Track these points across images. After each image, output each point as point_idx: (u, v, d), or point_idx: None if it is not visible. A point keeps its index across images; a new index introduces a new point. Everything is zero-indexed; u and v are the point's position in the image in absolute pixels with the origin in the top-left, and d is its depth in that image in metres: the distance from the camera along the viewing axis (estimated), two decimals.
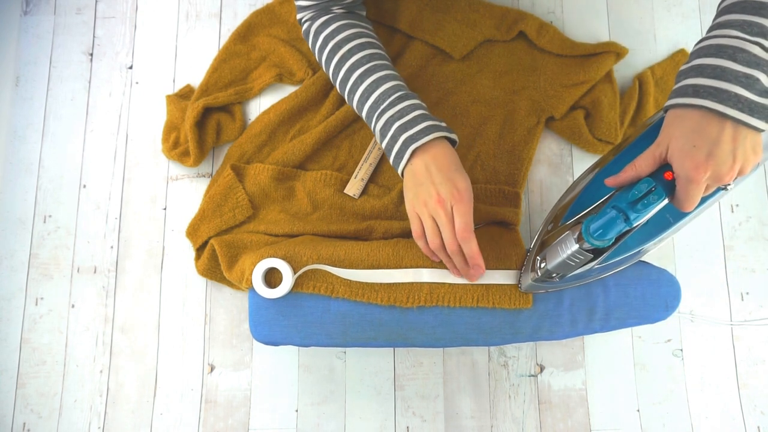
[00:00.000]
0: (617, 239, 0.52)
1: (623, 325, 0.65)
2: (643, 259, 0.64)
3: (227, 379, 0.73)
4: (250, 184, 0.74)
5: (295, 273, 0.63)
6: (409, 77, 0.78)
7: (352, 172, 0.75)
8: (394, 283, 0.64)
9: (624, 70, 0.79)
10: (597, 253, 0.54)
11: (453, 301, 0.63)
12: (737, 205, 0.77)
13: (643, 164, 0.50)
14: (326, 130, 0.75)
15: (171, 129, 0.78)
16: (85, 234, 0.77)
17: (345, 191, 0.74)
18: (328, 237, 0.71)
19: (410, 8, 0.79)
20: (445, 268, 0.64)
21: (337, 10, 0.69)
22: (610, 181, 0.53)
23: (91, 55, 0.82)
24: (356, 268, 0.64)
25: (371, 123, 0.65)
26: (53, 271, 0.76)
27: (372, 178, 0.75)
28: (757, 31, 0.44)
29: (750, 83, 0.44)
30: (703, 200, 0.52)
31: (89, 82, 0.81)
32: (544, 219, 0.65)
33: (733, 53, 0.44)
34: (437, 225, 0.60)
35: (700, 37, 0.80)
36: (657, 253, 0.74)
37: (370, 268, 0.64)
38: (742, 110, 0.43)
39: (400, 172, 0.63)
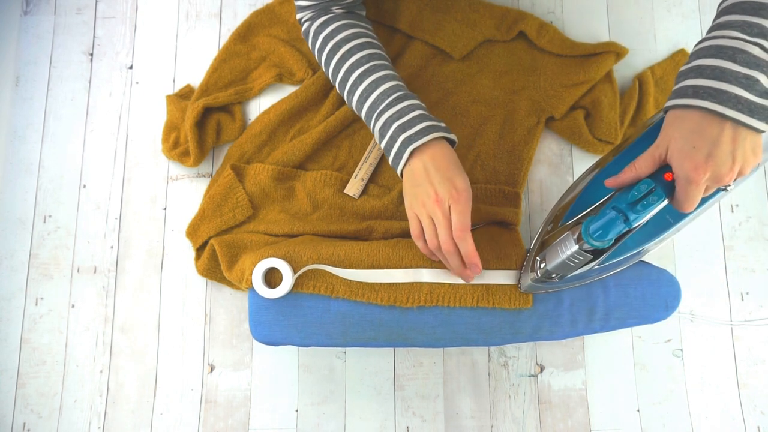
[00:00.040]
0: (617, 240, 0.52)
1: (623, 325, 0.65)
2: (643, 259, 0.64)
3: (227, 379, 0.73)
4: (250, 184, 0.74)
5: (295, 273, 0.63)
6: (409, 77, 0.78)
7: (352, 172, 0.75)
8: (394, 283, 0.64)
9: (624, 70, 0.79)
10: (597, 253, 0.54)
11: (453, 301, 0.63)
12: (737, 205, 0.77)
13: (642, 165, 0.50)
14: (326, 130, 0.75)
15: (171, 129, 0.78)
16: (85, 234, 0.77)
17: (345, 191, 0.74)
18: (328, 237, 0.71)
19: (410, 8, 0.79)
20: (445, 268, 0.64)
21: (336, 10, 0.69)
22: (610, 182, 0.53)
23: (91, 55, 0.82)
24: (356, 268, 0.64)
25: (370, 123, 0.65)
26: (53, 271, 0.76)
27: (372, 178, 0.75)
28: (757, 32, 0.44)
29: (750, 84, 0.43)
30: (703, 201, 0.52)
31: (89, 82, 0.81)
32: (544, 219, 0.65)
33: (733, 54, 0.44)
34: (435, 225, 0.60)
35: (700, 37, 0.80)
36: (657, 253, 0.74)
37: (370, 268, 0.64)
38: (741, 111, 0.43)
39: (399, 172, 0.63)
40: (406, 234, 0.70)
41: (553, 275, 0.58)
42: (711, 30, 0.48)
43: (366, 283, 0.64)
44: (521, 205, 0.74)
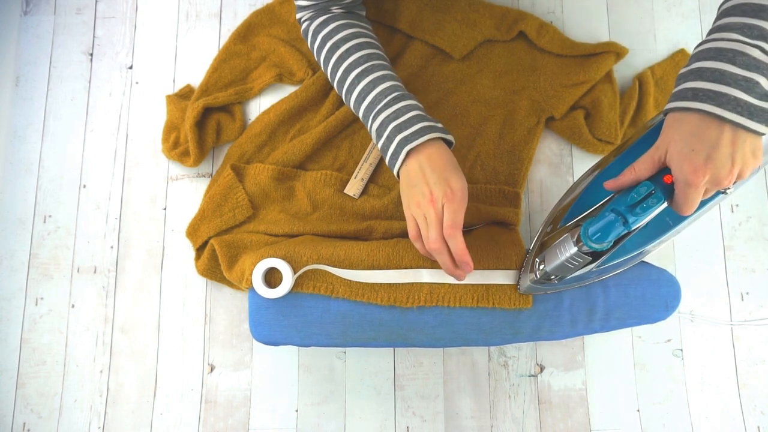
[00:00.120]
0: (616, 242, 0.52)
1: (623, 325, 0.65)
2: (642, 259, 0.64)
3: (227, 379, 0.73)
4: (250, 184, 0.74)
5: (295, 273, 0.63)
6: (409, 77, 0.78)
7: (352, 172, 0.75)
8: (394, 283, 0.64)
9: (624, 70, 0.79)
10: (596, 255, 0.54)
11: (453, 301, 0.63)
12: (737, 206, 0.77)
13: (642, 167, 0.50)
14: (326, 130, 0.75)
15: (171, 129, 0.78)
16: (85, 234, 0.77)
17: (345, 191, 0.74)
18: (328, 237, 0.71)
19: (410, 8, 0.79)
20: None
21: (336, 9, 0.69)
22: (609, 184, 0.53)
23: (91, 55, 0.82)
24: (356, 268, 0.64)
25: (368, 123, 0.65)
26: (53, 271, 0.76)
27: (372, 178, 0.75)
28: (757, 34, 0.44)
29: (750, 86, 0.43)
30: (703, 204, 0.52)
31: (89, 82, 0.81)
32: (544, 220, 0.65)
33: (733, 56, 0.44)
34: None
35: (700, 37, 0.81)
36: (657, 253, 0.74)
37: (370, 268, 0.64)
38: (741, 114, 0.43)
39: (395, 173, 0.62)
40: (405, 234, 0.70)
41: (552, 277, 0.58)
42: (711, 32, 0.48)
43: (366, 283, 0.64)
44: (521, 205, 0.74)
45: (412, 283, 0.64)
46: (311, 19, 0.70)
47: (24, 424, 0.73)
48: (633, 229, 0.50)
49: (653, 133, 0.55)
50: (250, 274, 0.63)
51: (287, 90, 0.80)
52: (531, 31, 0.78)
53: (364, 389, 0.73)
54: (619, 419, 0.72)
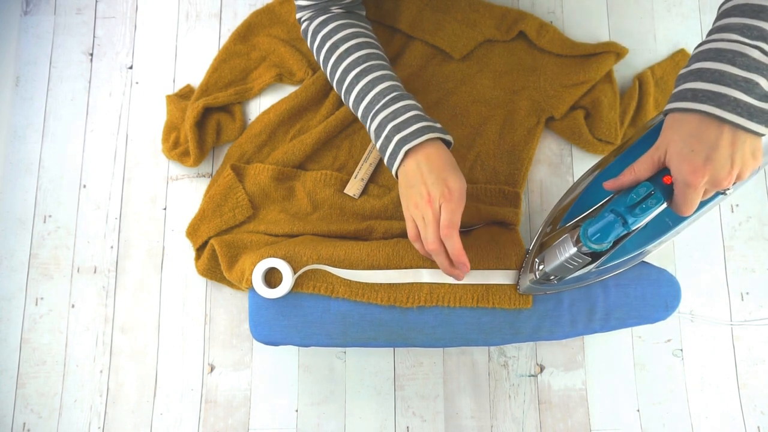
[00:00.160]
0: (615, 243, 0.52)
1: (623, 325, 0.65)
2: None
3: (227, 379, 0.73)
4: (250, 184, 0.74)
5: (295, 273, 0.63)
6: (409, 77, 0.78)
7: (352, 172, 0.75)
8: (394, 283, 0.64)
9: (624, 70, 0.79)
10: (595, 256, 0.54)
11: (453, 301, 0.63)
12: (737, 206, 0.77)
13: (641, 168, 0.50)
14: (326, 130, 0.75)
15: (171, 129, 0.78)
16: (85, 234, 0.77)
17: (345, 191, 0.74)
18: (328, 237, 0.71)
19: (410, 8, 0.79)
20: None
21: (335, 9, 0.69)
22: (609, 185, 0.53)
23: (91, 55, 0.82)
24: (356, 268, 0.64)
25: (366, 123, 0.64)
26: (53, 271, 0.76)
27: (372, 178, 0.75)
28: (757, 35, 0.44)
29: (749, 87, 0.43)
30: (702, 204, 0.52)
31: (89, 82, 0.81)
32: (544, 220, 0.65)
33: (733, 57, 0.44)
34: None
35: (700, 38, 0.81)
36: (657, 253, 0.74)
37: (370, 268, 0.64)
38: (741, 115, 0.43)
39: (394, 173, 0.62)
40: (405, 234, 0.70)
41: (552, 277, 0.58)
42: (711, 33, 0.47)
43: (366, 283, 0.64)
44: (521, 205, 0.74)
45: (412, 283, 0.64)
46: (311, 18, 0.70)
47: (24, 424, 0.73)
48: (632, 229, 0.50)
49: (653, 133, 0.55)
50: (250, 274, 0.63)
51: (287, 90, 0.80)
52: (531, 31, 0.78)
53: (364, 389, 0.73)
54: (619, 419, 0.72)
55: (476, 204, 0.72)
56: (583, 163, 0.78)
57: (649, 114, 0.76)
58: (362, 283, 0.64)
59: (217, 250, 0.69)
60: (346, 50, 0.66)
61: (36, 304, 0.75)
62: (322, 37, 0.68)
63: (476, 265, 0.64)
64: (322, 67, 0.70)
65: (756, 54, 0.44)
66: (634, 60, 0.80)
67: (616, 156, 0.58)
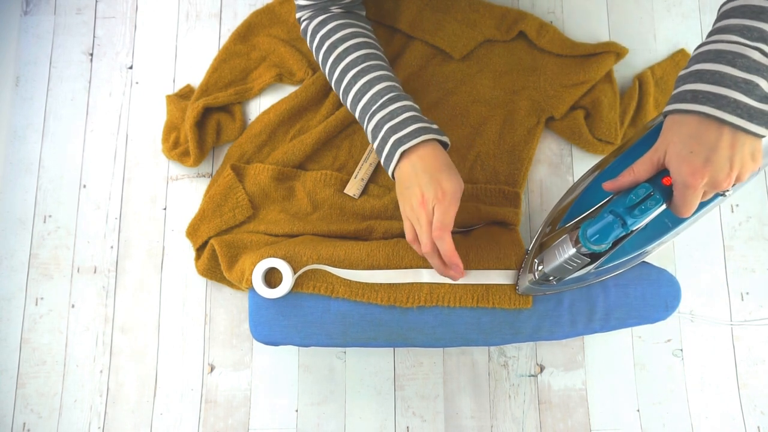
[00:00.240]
0: (615, 244, 0.52)
1: (623, 325, 0.65)
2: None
3: (227, 379, 0.73)
4: (250, 184, 0.74)
5: (295, 273, 0.63)
6: (409, 77, 0.78)
7: (352, 172, 0.75)
8: (394, 283, 0.64)
9: (624, 70, 0.79)
10: (594, 257, 0.54)
11: (453, 301, 0.63)
12: (737, 206, 0.77)
13: (641, 169, 0.50)
14: (326, 130, 0.75)
15: (171, 129, 0.78)
16: (85, 234, 0.77)
17: (345, 191, 0.74)
18: (328, 237, 0.71)
19: (410, 8, 0.79)
20: None
21: (335, 9, 0.69)
22: (608, 185, 0.52)
23: (91, 55, 0.82)
24: (356, 268, 0.64)
25: (364, 124, 0.64)
26: (53, 271, 0.76)
27: (372, 178, 0.75)
28: (757, 36, 0.44)
29: (749, 89, 0.43)
30: (702, 206, 0.52)
31: (89, 82, 0.81)
32: (543, 221, 0.65)
33: (733, 58, 0.44)
34: None
35: (700, 38, 0.81)
36: (657, 253, 0.74)
37: (369, 268, 0.64)
38: (740, 116, 0.43)
39: (390, 174, 0.62)
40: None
41: (551, 278, 0.58)
42: (711, 34, 0.47)
43: (366, 283, 0.64)
44: (521, 205, 0.74)
45: (412, 283, 0.64)
46: (310, 18, 0.70)
47: (24, 424, 0.73)
48: (632, 230, 0.50)
49: (653, 134, 0.54)
50: (250, 274, 0.63)
51: (287, 90, 0.80)
52: (531, 31, 0.78)
53: (364, 389, 0.73)
54: (619, 419, 0.72)
55: (476, 204, 0.72)
56: (583, 163, 0.78)
57: (649, 114, 0.76)
58: (362, 283, 0.64)
59: (217, 250, 0.69)
60: (345, 50, 0.66)
61: (36, 304, 0.75)
62: (321, 37, 0.68)
63: (476, 265, 0.64)
64: (321, 67, 0.70)
65: (756, 55, 0.44)
66: (634, 60, 0.80)
67: (616, 157, 0.58)
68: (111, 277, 0.76)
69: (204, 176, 0.78)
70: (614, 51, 0.76)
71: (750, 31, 0.44)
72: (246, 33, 0.81)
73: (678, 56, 0.79)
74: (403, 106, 0.62)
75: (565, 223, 0.59)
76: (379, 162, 0.75)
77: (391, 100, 0.62)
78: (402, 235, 0.70)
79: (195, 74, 0.81)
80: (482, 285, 0.63)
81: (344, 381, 0.73)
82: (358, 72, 0.64)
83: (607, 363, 0.73)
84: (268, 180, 0.73)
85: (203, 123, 0.77)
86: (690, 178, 0.45)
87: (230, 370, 0.73)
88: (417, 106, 0.63)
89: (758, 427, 0.72)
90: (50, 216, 0.77)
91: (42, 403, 0.73)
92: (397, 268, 0.64)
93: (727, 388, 0.72)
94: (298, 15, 0.71)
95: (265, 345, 0.71)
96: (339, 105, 0.77)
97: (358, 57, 0.65)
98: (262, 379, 0.73)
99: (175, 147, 0.77)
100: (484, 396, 0.72)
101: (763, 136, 0.44)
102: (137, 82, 0.81)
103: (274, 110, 0.77)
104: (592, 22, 0.82)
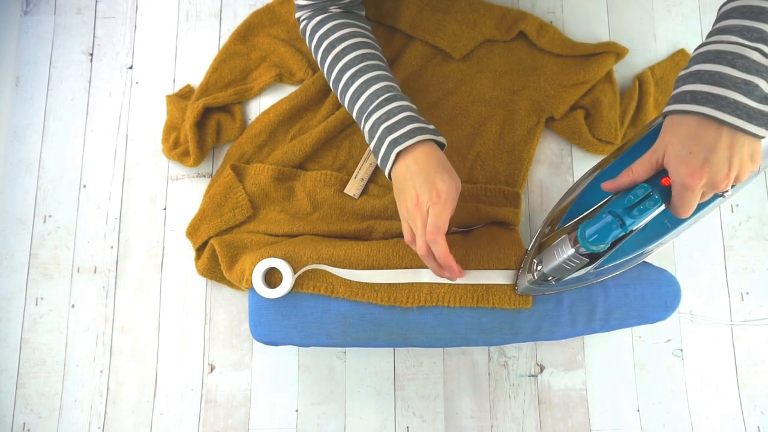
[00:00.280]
0: (613, 244, 0.52)
1: (623, 325, 0.65)
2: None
3: (227, 379, 0.73)
4: (250, 184, 0.74)
5: (295, 273, 0.63)
6: (409, 77, 0.78)
7: (352, 172, 0.75)
8: (394, 283, 0.64)
9: (624, 70, 0.79)
10: (593, 257, 0.54)
11: (453, 301, 0.63)
12: (737, 206, 0.77)
13: (640, 169, 0.49)
14: (326, 130, 0.75)
15: (171, 129, 0.78)
16: (85, 234, 0.77)
17: (345, 191, 0.74)
18: (328, 237, 0.71)
19: (410, 8, 0.79)
20: None
21: (334, 9, 0.69)
22: (607, 186, 0.52)
23: (91, 55, 0.82)
24: (356, 268, 0.64)
25: (361, 124, 0.64)
26: (53, 271, 0.76)
27: (372, 178, 0.75)
28: (757, 37, 0.44)
29: (749, 89, 0.43)
30: (701, 207, 0.52)
31: (89, 82, 0.81)
32: (543, 221, 0.65)
33: (732, 59, 0.44)
34: None
35: (700, 38, 0.81)
36: (657, 253, 0.74)
37: (369, 268, 0.64)
38: (740, 117, 0.43)
39: (387, 174, 0.62)
40: None
41: (550, 278, 0.58)
42: (710, 34, 0.47)
43: (366, 283, 0.64)
44: (521, 205, 0.74)
45: (412, 283, 0.64)
46: (309, 18, 0.70)
47: (24, 424, 0.73)
48: (630, 231, 0.49)
49: (653, 134, 0.54)
50: (250, 274, 0.63)
51: (287, 90, 0.80)
52: (531, 31, 0.78)
53: (364, 389, 0.73)
54: (619, 419, 0.72)
55: (476, 204, 0.72)
56: (583, 163, 0.78)
57: (649, 114, 0.76)
58: (362, 283, 0.64)
59: (217, 250, 0.69)
60: (343, 50, 0.66)
61: (36, 304, 0.75)
62: (319, 37, 0.68)
63: (476, 265, 0.64)
64: (319, 67, 0.70)
65: (756, 56, 0.43)
66: (634, 60, 0.80)
67: (616, 157, 0.58)
68: (111, 277, 0.76)
69: (204, 176, 0.78)
70: (614, 51, 0.76)
71: (750, 32, 0.44)
72: (246, 33, 0.81)
73: (678, 56, 0.79)
74: (400, 106, 0.61)
75: (564, 223, 0.58)
76: None
77: (388, 100, 0.62)
78: (401, 235, 0.70)
79: (195, 74, 0.81)
80: (482, 285, 0.63)
81: (344, 381, 0.73)
82: (355, 72, 0.64)
83: (607, 363, 0.73)
84: (268, 180, 0.73)
85: (203, 123, 0.77)
86: (688, 179, 0.45)
87: (230, 370, 0.73)
88: (414, 107, 0.63)
89: (758, 427, 0.72)
90: (50, 216, 0.77)
91: (42, 403, 0.73)
92: (397, 268, 0.64)
93: (727, 388, 0.72)
94: (297, 15, 0.71)
95: (265, 345, 0.71)
96: (339, 105, 0.77)
97: (355, 57, 0.65)
98: (262, 379, 0.73)
99: (175, 147, 0.77)
100: (484, 396, 0.72)
101: (762, 137, 0.44)
102: (137, 82, 0.81)
103: (274, 110, 0.77)
104: (592, 22, 0.82)
